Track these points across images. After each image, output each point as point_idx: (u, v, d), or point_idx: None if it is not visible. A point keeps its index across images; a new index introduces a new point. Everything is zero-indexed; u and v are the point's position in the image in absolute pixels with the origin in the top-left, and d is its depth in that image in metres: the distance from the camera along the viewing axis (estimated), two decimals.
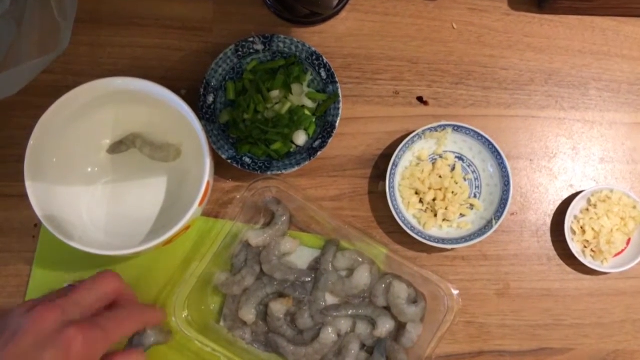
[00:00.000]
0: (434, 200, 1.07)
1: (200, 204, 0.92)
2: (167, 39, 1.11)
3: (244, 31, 1.10)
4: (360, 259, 1.03)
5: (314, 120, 1.06)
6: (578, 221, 1.09)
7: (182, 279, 1.00)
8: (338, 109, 1.03)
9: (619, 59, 1.16)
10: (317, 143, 1.03)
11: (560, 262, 1.09)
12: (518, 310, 1.08)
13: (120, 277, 0.87)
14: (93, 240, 0.98)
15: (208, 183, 0.92)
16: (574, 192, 1.12)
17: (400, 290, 1.00)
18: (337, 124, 1.03)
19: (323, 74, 1.05)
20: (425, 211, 1.08)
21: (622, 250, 1.09)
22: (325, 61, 1.04)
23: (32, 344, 0.76)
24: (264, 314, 1.02)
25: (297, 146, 1.06)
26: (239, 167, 1.02)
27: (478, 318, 1.07)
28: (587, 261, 1.07)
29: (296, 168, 1.02)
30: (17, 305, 0.81)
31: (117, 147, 1.04)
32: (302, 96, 1.06)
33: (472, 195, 1.09)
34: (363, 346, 1.02)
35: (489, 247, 1.09)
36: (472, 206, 1.08)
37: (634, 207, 1.09)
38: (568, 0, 1.12)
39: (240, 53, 1.05)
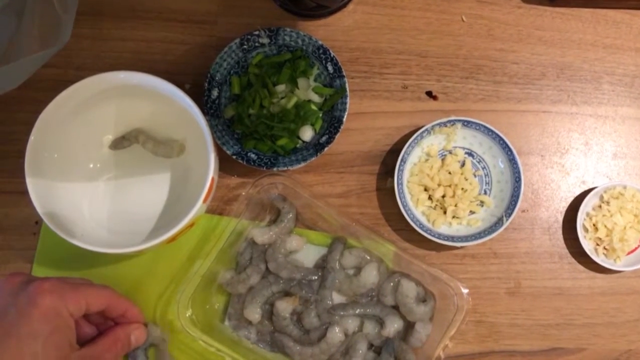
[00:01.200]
0: (443, 197, 1.06)
1: (205, 200, 0.91)
2: (171, 32, 1.10)
3: (249, 24, 1.08)
4: (368, 257, 1.02)
5: (320, 115, 1.06)
6: (590, 218, 1.08)
7: (186, 278, 0.99)
8: (345, 103, 1.02)
9: (632, 52, 1.15)
10: (323, 138, 1.03)
11: (572, 260, 1.08)
12: (529, 309, 1.07)
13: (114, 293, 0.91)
14: (95, 238, 0.97)
15: (212, 179, 0.91)
16: (586, 188, 1.11)
17: (409, 289, 1.00)
18: (344, 119, 1.02)
19: (330, 68, 1.04)
20: (435, 208, 1.07)
21: (636, 248, 1.08)
22: (332, 55, 1.03)
23: (1, 307, 0.79)
24: (270, 313, 1.01)
25: (303, 142, 1.06)
26: (244, 163, 1.01)
27: (488, 317, 1.06)
28: (600, 259, 1.05)
29: (302, 164, 1.01)
30: None
31: (120, 142, 1.03)
32: (308, 90, 1.05)
33: (482, 191, 1.08)
34: (371, 346, 1.01)
35: (500, 244, 1.08)
36: (482, 203, 1.07)
37: None
38: None
39: (245, 46, 1.05)
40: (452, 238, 1.04)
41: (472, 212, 1.07)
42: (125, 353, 0.93)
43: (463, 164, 1.08)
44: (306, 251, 1.05)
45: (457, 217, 1.06)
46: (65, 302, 0.81)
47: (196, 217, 0.92)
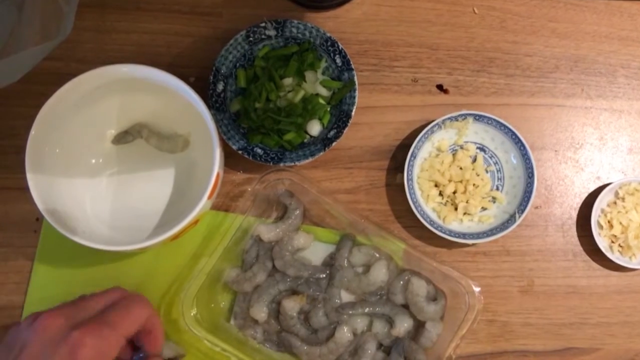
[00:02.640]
0: (455, 193, 1.06)
1: (210, 196, 0.91)
2: (175, 25, 1.09)
3: (256, 16, 1.07)
4: (377, 255, 1.02)
5: (328, 109, 1.05)
6: (605, 215, 1.07)
7: (191, 276, 0.99)
8: (354, 97, 1.02)
9: None
10: (332, 133, 1.02)
11: (587, 257, 1.08)
12: (542, 308, 1.06)
13: (150, 304, 0.89)
14: (97, 235, 0.96)
15: (218, 174, 0.91)
16: (601, 184, 1.10)
17: (419, 287, 0.99)
18: (353, 113, 1.01)
19: (338, 61, 1.03)
20: (445, 204, 1.06)
21: None
22: (340, 47, 1.03)
23: (39, 354, 0.75)
24: (277, 312, 1.00)
25: (311, 136, 1.05)
26: (250, 158, 1.01)
27: (500, 316, 1.06)
28: (615, 257, 1.05)
29: (310, 159, 1.01)
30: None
31: (123, 137, 1.03)
32: (316, 84, 1.04)
33: (494, 187, 1.07)
34: (380, 346, 1.01)
35: (512, 242, 1.07)
36: (494, 199, 1.07)
37: None
38: None
39: (251, 39, 1.04)
40: (463, 235, 1.03)
41: (483, 209, 1.06)
42: None
43: (475, 159, 1.07)
44: (314, 249, 1.04)
45: (469, 214, 1.05)
46: (108, 349, 0.79)
47: (201, 214, 0.91)
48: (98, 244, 0.89)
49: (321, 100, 1.04)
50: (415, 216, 1.02)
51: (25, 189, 0.88)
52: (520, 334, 1.05)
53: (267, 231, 1.01)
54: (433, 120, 1.04)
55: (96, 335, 0.77)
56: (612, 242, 1.06)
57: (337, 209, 1.02)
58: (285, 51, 1.04)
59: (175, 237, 0.91)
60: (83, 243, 0.88)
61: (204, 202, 0.89)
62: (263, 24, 1.03)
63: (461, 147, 1.07)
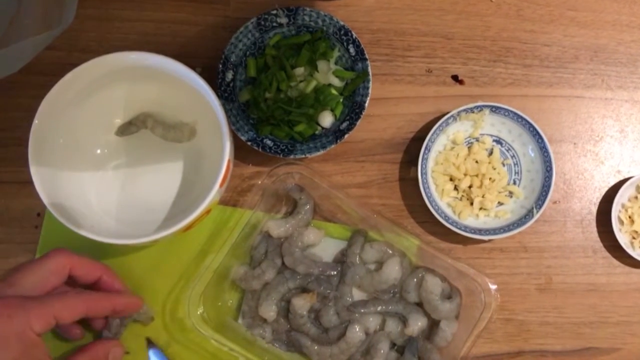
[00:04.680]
0: (470, 187, 1.05)
1: (221, 184, 0.90)
2: (181, 13, 1.09)
3: (265, 4, 1.07)
4: (390, 251, 1.01)
5: (341, 100, 1.04)
6: (626, 210, 1.06)
7: (197, 273, 0.98)
8: (367, 88, 1.01)
9: None
10: (344, 125, 1.01)
11: (607, 254, 1.07)
12: (561, 306, 1.05)
13: (68, 251, 0.89)
14: (103, 228, 0.96)
15: (229, 161, 0.90)
16: (622, 178, 1.09)
17: (434, 285, 0.98)
18: (366, 105, 1.01)
19: (352, 50, 1.03)
20: (461, 199, 1.06)
21: None
22: (354, 36, 1.02)
23: None
24: (286, 310, 1.00)
25: (322, 128, 1.04)
26: (260, 149, 1.00)
27: (517, 315, 1.05)
28: (636, 253, 1.04)
29: (321, 152, 1.00)
30: None
31: (127, 128, 1.02)
32: (328, 74, 1.04)
33: (511, 181, 1.06)
34: (393, 345, 1.00)
35: (530, 238, 1.06)
36: (511, 194, 1.06)
37: None
38: None
39: (262, 27, 1.04)
40: (479, 231, 1.02)
41: (500, 204, 1.05)
42: None
43: (491, 153, 1.06)
44: (324, 245, 1.03)
45: (485, 209, 1.05)
46: (29, 322, 0.79)
47: (212, 204, 0.91)
48: (105, 238, 0.88)
49: (333, 91, 1.04)
50: (430, 211, 1.01)
51: (27, 183, 0.88)
52: (537, 333, 1.04)
53: (276, 227, 1.00)
54: (448, 112, 1.03)
55: (14, 305, 0.79)
56: (634, 238, 1.05)
57: (349, 204, 1.01)
58: (297, 40, 1.04)
59: (187, 228, 0.90)
60: (89, 237, 0.88)
61: (215, 190, 0.88)
62: (274, 12, 1.03)
63: (477, 140, 1.06)
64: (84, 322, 0.94)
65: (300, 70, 1.03)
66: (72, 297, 0.86)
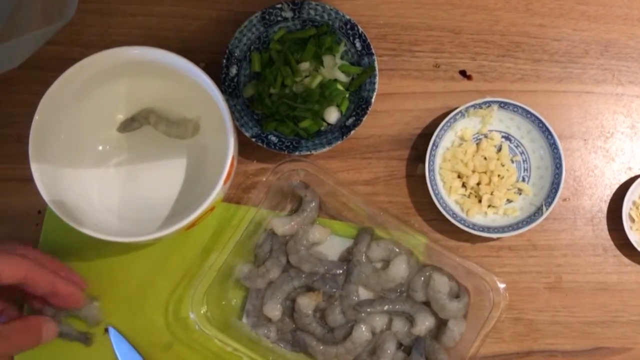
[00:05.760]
0: (478, 184, 1.05)
1: (226, 181, 0.90)
2: (184, 7, 1.09)
3: None
4: (397, 249, 1.00)
5: (347, 95, 1.04)
6: (637, 207, 1.05)
7: (201, 272, 0.98)
8: (374, 83, 1.01)
9: None
10: (350, 121, 1.01)
11: (618, 252, 1.06)
12: (571, 305, 1.05)
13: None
14: (105, 226, 0.96)
15: (233, 158, 0.90)
16: (633, 175, 1.08)
17: (441, 284, 0.98)
18: (372, 100, 1.01)
19: (358, 45, 1.03)
20: (469, 196, 1.05)
21: None
22: (360, 31, 1.02)
23: None
24: (291, 309, 1.00)
25: (328, 124, 1.04)
26: (264, 146, 1.00)
27: (527, 314, 1.04)
28: None
29: (327, 148, 1.00)
30: None
31: (129, 124, 1.02)
32: (334, 69, 1.04)
33: (520, 178, 1.06)
34: (400, 345, 1.00)
35: (539, 236, 1.06)
36: (520, 191, 1.05)
37: None
38: None
39: (267, 21, 1.04)
40: (487, 229, 1.02)
41: (509, 201, 1.05)
42: (32, 347, 0.90)
43: (499, 149, 1.06)
44: (330, 243, 1.03)
45: (493, 206, 1.04)
46: None
47: (216, 201, 0.91)
48: (107, 236, 0.88)
49: (339, 86, 1.03)
50: (437, 209, 1.01)
51: (27, 180, 0.88)
52: (547, 333, 1.04)
53: (281, 224, 1.00)
54: (456, 108, 1.03)
55: None
56: None
57: (355, 201, 1.01)
58: (302, 34, 1.04)
59: (190, 226, 0.90)
60: (91, 234, 0.87)
61: (220, 187, 0.88)
62: (279, 5, 1.03)
63: (485, 136, 1.06)
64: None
65: (305, 65, 1.03)
66: (16, 257, 0.84)
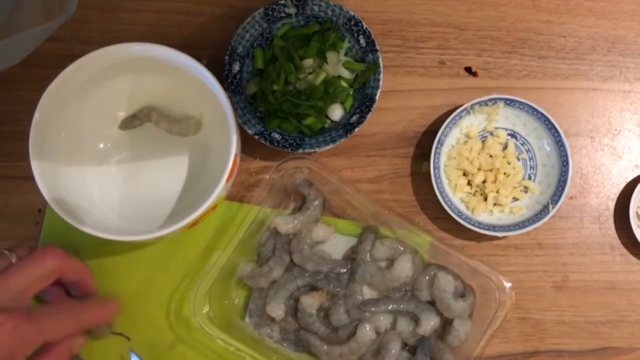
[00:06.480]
0: (484, 182, 1.04)
1: (228, 179, 0.89)
2: (187, 3, 1.09)
3: None
4: (402, 248, 1.00)
5: (351, 92, 1.04)
6: None
7: (203, 270, 0.99)
8: (378, 80, 1.01)
9: None
10: (354, 118, 1.01)
11: (625, 251, 1.05)
12: (577, 305, 1.04)
13: (62, 253, 0.87)
14: (106, 224, 0.96)
15: (236, 156, 0.90)
16: None
17: (446, 283, 0.98)
18: (377, 97, 1.00)
19: (362, 41, 1.02)
20: (474, 194, 1.05)
21: None
22: (364, 27, 1.02)
23: None
24: (294, 309, 1.00)
25: (332, 121, 1.04)
26: (267, 143, 1.00)
27: (533, 314, 1.04)
28: None
29: (331, 145, 1.00)
30: None
31: (130, 122, 1.02)
32: (338, 66, 1.04)
33: (527, 176, 1.05)
34: (405, 345, 0.99)
35: (545, 234, 1.05)
36: (526, 189, 1.05)
37: None
38: None
39: (270, 17, 1.03)
40: (493, 227, 1.01)
41: (515, 199, 1.04)
42: (102, 322, 0.95)
43: (505, 147, 1.06)
44: (334, 241, 1.03)
45: (499, 205, 1.04)
46: (21, 344, 0.78)
47: (219, 199, 0.90)
48: (108, 234, 0.88)
49: (343, 83, 1.03)
50: (442, 207, 1.01)
51: (27, 178, 0.88)
52: (553, 332, 1.03)
53: (285, 223, 1.00)
54: (461, 105, 1.03)
55: (19, 326, 0.77)
56: None
57: (359, 199, 1.01)
58: (305, 30, 1.03)
59: (192, 224, 0.89)
60: (92, 233, 0.87)
61: (222, 185, 0.87)
62: (282, 1, 1.03)
63: (491, 134, 1.06)
64: None
65: (309, 62, 1.03)
66: (61, 311, 0.85)
